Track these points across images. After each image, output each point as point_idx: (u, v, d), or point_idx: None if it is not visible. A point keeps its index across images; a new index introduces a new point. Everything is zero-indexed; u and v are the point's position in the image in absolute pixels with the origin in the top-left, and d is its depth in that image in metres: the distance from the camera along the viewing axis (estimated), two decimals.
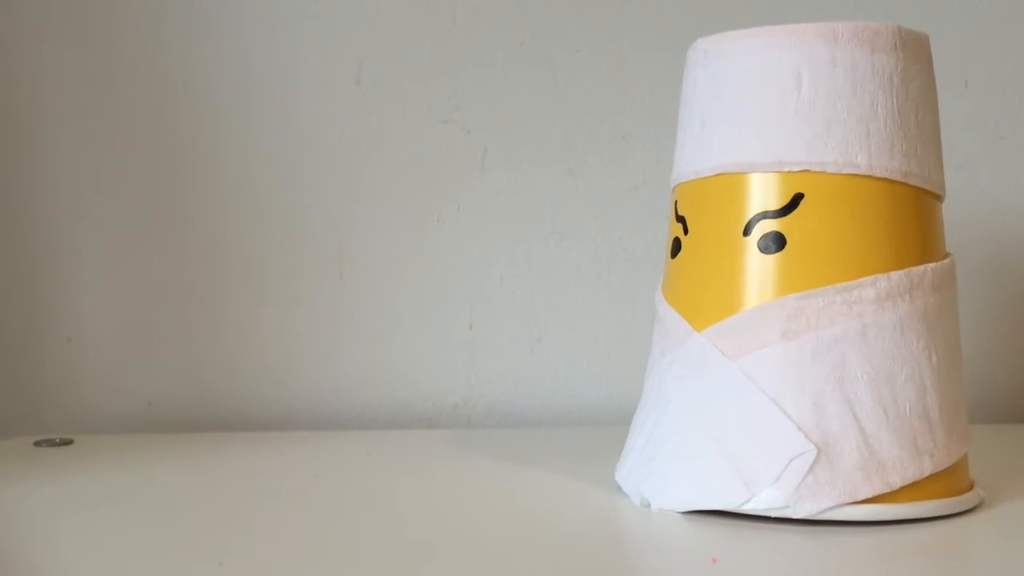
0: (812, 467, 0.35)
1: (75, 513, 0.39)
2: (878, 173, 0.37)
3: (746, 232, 0.38)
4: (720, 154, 0.38)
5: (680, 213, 0.40)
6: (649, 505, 0.38)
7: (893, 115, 0.37)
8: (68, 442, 0.52)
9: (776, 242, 0.37)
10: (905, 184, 0.37)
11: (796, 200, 0.37)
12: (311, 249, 0.60)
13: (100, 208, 0.59)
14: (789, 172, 0.37)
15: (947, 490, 0.37)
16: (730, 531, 0.35)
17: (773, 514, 0.36)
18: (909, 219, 0.38)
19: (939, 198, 0.39)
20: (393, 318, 0.60)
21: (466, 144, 0.60)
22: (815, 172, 0.37)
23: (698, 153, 0.39)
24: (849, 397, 0.36)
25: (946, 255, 0.39)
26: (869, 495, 0.35)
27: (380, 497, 0.41)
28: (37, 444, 0.51)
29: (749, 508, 0.36)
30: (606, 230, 0.61)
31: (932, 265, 0.37)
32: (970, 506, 0.38)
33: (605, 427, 0.57)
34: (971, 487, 0.39)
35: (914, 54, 0.38)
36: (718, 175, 0.38)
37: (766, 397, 0.36)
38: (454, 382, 0.60)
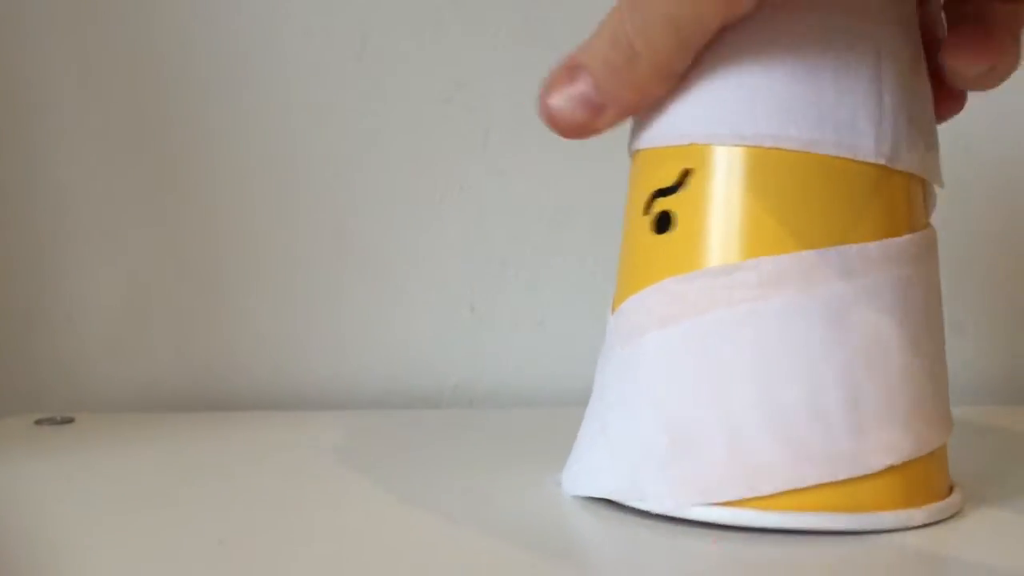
0: (669, 462, 0.33)
1: (76, 492, 0.39)
2: (768, 143, 0.33)
3: (646, 211, 0.35)
4: (639, 129, 0.36)
5: None
6: (560, 486, 0.38)
7: (797, 75, 0.33)
8: (69, 420, 0.52)
9: (665, 221, 0.34)
10: (808, 153, 0.33)
11: (684, 176, 0.34)
12: (311, 230, 0.60)
13: (101, 188, 0.59)
14: (678, 146, 0.34)
15: (848, 503, 0.32)
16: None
17: (633, 505, 0.34)
18: (815, 194, 0.33)
19: (881, 168, 0.34)
20: (394, 299, 0.60)
21: (468, 124, 0.60)
22: (701, 145, 0.34)
23: (632, 130, 0.37)
24: (720, 390, 0.33)
25: (892, 235, 0.34)
26: (732, 498, 0.32)
27: (378, 478, 0.41)
28: (38, 422, 0.51)
29: (615, 497, 0.35)
30: (609, 211, 0.60)
31: (845, 247, 0.33)
32: (877, 527, 0.33)
33: None
34: (911, 503, 0.33)
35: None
36: (636, 151, 0.36)
37: (638, 386, 0.34)
38: (455, 364, 0.60)
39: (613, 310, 0.36)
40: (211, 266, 0.59)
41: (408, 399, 0.60)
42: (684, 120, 0.34)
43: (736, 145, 0.33)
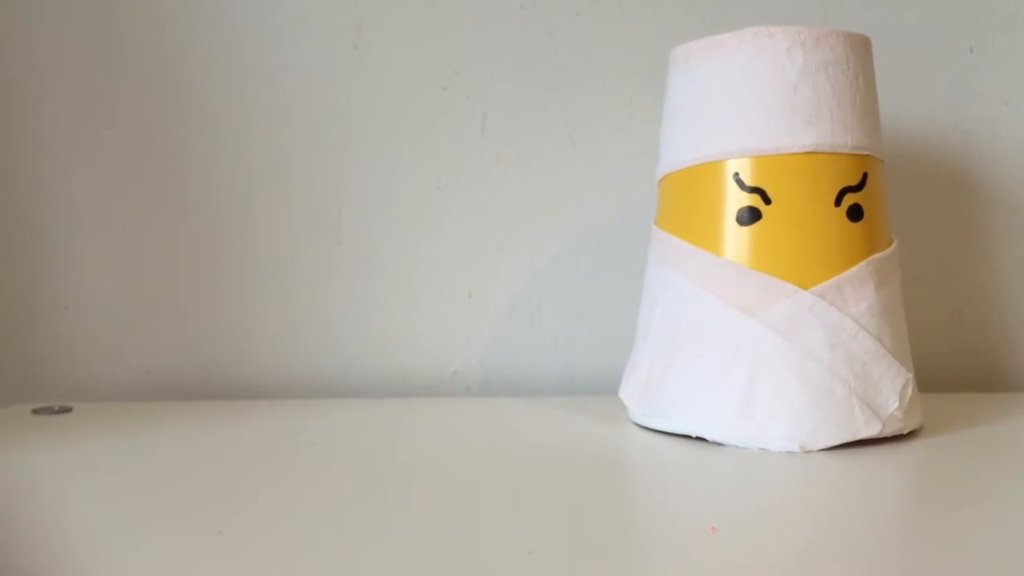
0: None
1: (74, 481, 0.39)
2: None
3: (837, 204, 0.44)
4: (822, 134, 0.44)
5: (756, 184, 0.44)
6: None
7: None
8: (67, 410, 0.52)
9: (857, 212, 0.44)
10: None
11: (865, 177, 0.45)
12: (310, 217, 0.60)
13: (98, 176, 0.59)
14: (856, 154, 0.45)
15: None
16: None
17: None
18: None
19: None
20: (392, 286, 0.60)
21: (465, 110, 0.60)
22: (872, 156, 0.46)
23: (808, 132, 0.44)
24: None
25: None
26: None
27: (377, 465, 0.41)
28: (36, 412, 0.51)
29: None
30: (606, 197, 0.60)
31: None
32: None
33: (604, 395, 0.57)
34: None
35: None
36: (813, 153, 0.44)
37: (882, 338, 0.45)
38: (453, 350, 0.60)
39: (803, 286, 0.43)
40: (208, 256, 0.59)
41: (407, 387, 0.60)
42: (862, 135, 0.44)
43: (879, 159, 0.46)
